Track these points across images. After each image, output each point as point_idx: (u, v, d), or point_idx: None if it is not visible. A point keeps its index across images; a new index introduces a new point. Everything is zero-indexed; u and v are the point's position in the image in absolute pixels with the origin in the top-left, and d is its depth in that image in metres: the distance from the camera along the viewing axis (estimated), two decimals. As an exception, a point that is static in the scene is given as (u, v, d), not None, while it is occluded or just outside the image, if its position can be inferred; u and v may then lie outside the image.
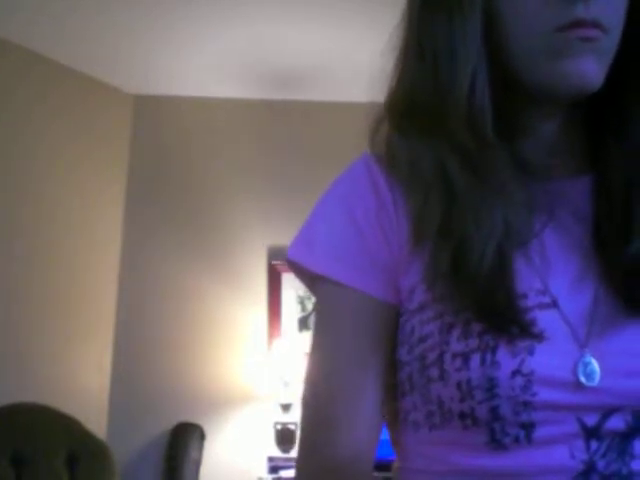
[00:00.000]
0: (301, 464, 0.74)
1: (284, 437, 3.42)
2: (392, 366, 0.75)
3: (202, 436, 3.49)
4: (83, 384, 3.44)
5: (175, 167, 3.82)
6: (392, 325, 0.74)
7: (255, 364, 3.61)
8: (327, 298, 0.75)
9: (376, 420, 0.73)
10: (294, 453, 3.38)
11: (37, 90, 3.43)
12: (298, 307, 3.74)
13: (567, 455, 0.66)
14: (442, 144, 0.72)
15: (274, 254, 3.71)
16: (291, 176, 3.72)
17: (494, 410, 0.66)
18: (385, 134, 0.78)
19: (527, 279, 0.69)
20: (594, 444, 0.66)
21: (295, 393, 3.40)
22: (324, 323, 0.76)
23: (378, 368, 0.73)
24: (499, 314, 0.66)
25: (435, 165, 0.72)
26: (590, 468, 0.66)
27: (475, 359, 0.66)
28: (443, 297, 0.69)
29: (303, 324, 3.73)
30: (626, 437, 0.67)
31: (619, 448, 0.67)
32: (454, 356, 0.67)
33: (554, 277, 0.70)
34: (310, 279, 0.77)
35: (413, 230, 0.72)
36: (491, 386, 0.66)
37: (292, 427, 3.42)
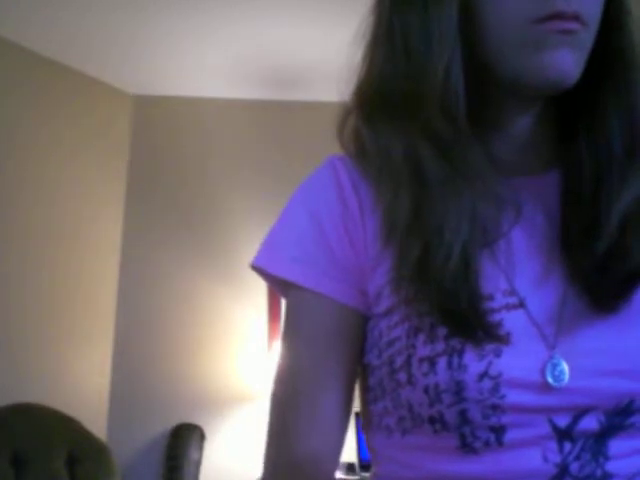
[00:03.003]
0: (266, 462, 0.74)
1: (284, 437, 3.42)
2: (364, 370, 0.74)
3: (202, 436, 3.49)
4: (83, 384, 3.44)
5: (175, 167, 3.82)
6: (359, 329, 0.73)
7: (255, 364, 3.61)
8: (293, 302, 0.75)
9: (339, 422, 0.72)
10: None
11: (38, 91, 3.43)
12: (298, 307, 3.74)
13: (540, 458, 0.65)
14: (414, 132, 0.70)
15: (274, 254, 3.71)
16: (291, 176, 3.70)
17: (463, 414, 0.65)
18: (354, 125, 0.77)
19: (493, 279, 0.68)
20: (567, 446, 0.65)
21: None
22: (290, 326, 0.75)
23: (342, 371, 0.72)
24: (463, 318, 0.65)
25: (407, 154, 0.70)
26: (563, 471, 0.65)
27: (442, 363, 0.65)
28: (409, 300, 0.68)
29: (303, 324, 3.73)
30: (600, 437, 0.66)
31: (593, 449, 0.65)
32: (421, 360, 0.66)
33: (520, 277, 0.69)
34: (280, 282, 0.76)
35: (382, 228, 0.71)
36: (459, 389, 0.65)
37: (292, 427, 3.42)
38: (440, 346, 0.66)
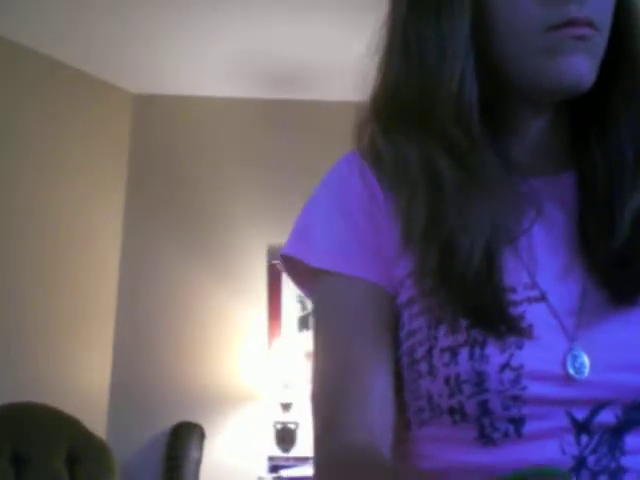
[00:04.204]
0: (318, 449, 0.71)
1: (284, 436, 3.42)
2: None
3: (202, 435, 3.49)
4: (83, 384, 3.44)
5: (175, 166, 3.82)
6: (393, 312, 0.73)
7: (255, 364, 3.61)
8: (330, 290, 0.74)
9: (389, 403, 0.71)
10: (294, 453, 3.38)
11: (38, 89, 3.43)
12: (298, 306, 3.74)
13: (557, 450, 0.66)
14: (429, 141, 0.72)
15: (274, 254, 3.71)
16: (291, 175, 3.72)
17: (483, 404, 0.66)
18: (369, 134, 0.78)
19: (515, 274, 0.69)
20: (584, 439, 0.66)
21: (295, 393, 3.40)
22: (329, 315, 0.74)
23: (387, 352, 0.72)
24: (485, 311, 0.66)
25: (422, 162, 0.71)
26: (580, 464, 0.66)
27: (463, 353, 0.66)
28: (431, 293, 0.69)
29: (303, 323, 3.73)
30: (617, 431, 0.67)
31: (610, 443, 0.66)
32: (442, 351, 0.67)
33: (542, 271, 0.70)
34: (311, 273, 0.76)
35: (401, 231, 0.71)
36: (480, 380, 0.65)
37: (292, 426, 3.42)
38: (462, 337, 0.66)
